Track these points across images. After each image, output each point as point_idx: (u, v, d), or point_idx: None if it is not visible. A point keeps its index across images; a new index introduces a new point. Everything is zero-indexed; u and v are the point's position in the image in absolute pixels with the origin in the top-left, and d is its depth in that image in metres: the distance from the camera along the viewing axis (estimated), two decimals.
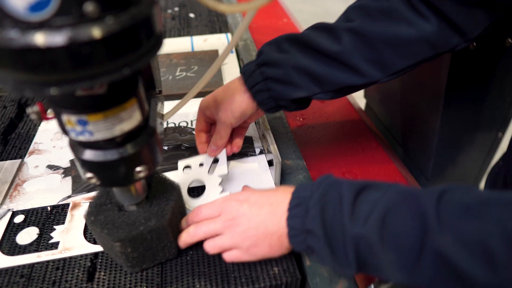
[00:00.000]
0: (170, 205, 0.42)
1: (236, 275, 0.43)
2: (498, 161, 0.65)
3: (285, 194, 0.41)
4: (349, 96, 0.85)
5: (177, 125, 0.66)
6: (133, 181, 0.37)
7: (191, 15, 1.06)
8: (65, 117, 0.31)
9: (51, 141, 0.63)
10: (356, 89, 0.51)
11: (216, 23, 1.04)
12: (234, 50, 0.90)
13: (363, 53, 0.47)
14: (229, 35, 0.95)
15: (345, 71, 0.48)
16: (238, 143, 0.56)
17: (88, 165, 0.35)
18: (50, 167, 0.57)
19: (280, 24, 1.15)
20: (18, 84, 0.25)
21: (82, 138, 0.32)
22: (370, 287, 0.44)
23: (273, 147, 0.54)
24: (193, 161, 0.55)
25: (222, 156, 0.54)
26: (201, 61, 0.83)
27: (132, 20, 0.26)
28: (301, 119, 0.75)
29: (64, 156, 0.59)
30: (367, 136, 0.73)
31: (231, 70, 0.82)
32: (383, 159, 0.67)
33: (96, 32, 0.24)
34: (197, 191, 0.54)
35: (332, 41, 0.48)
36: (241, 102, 0.51)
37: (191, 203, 0.52)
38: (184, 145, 0.61)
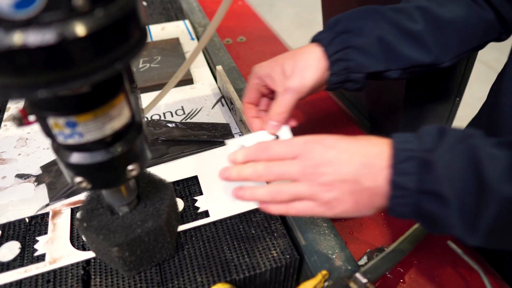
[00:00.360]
0: (165, 205, 0.41)
1: (236, 263, 0.43)
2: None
3: (381, 146, 0.35)
4: None
5: (149, 118, 0.64)
6: (125, 181, 0.36)
7: (144, 3, 1.02)
8: (51, 121, 0.29)
9: (15, 148, 0.58)
10: (419, 71, 0.51)
11: (171, 10, 1.01)
12: (195, 37, 0.88)
13: (434, 34, 0.48)
14: (187, 21, 0.93)
15: (419, 50, 0.48)
16: (294, 116, 0.50)
17: (77, 169, 0.33)
18: (20, 176, 0.54)
19: (236, 7, 1.14)
20: (3, 88, 0.23)
21: (71, 141, 0.30)
22: (363, 257, 0.46)
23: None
24: (247, 140, 0.47)
25: (285, 132, 0.47)
26: (163, 51, 0.80)
27: (121, 12, 0.24)
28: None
29: (33, 163, 0.56)
30: (337, 112, 0.75)
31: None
32: (357, 134, 0.69)
33: (88, 26, 0.22)
34: None
35: (409, 19, 0.48)
36: (316, 70, 0.46)
37: None
38: (160, 138, 0.59)
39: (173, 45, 0.82)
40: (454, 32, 0.49)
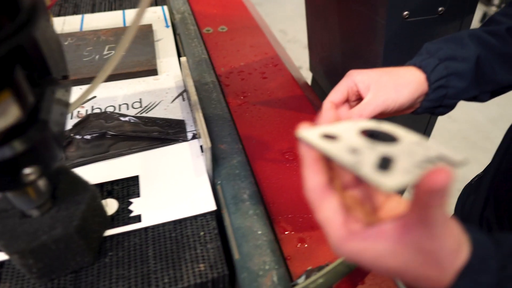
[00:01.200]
0: (80, 210, 0.38)
1: (158, 275, 0.40)
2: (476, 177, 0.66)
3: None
4: (293, 70, 0.82)
5: (103, 110, 0.60)
6: (22, 186, 0.33)
7: None
8: None
9: None
10: (506, 91, 0.52)
11: None
12: (170, 24, 0.84)
13: None
14: (165, 7, 0.89)
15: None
16: None
17: None
18: None
19: None
20: None
21: None
22: (302, 277, 0.42)
23: (203, 131, 0.50)
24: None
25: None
26: (133, 37, 0.76)
27: None
28: (242, 97, 0.71)
29: None
30: (310, 112, 0.71)
31: (166, 46, 0.77)
32: None
33: None
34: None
35: (503, 42, 0.49)
36: (414, 91, 0.46)
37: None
38: (109, 132, 0.56)
39: (145, 32, 0.78)
40: None
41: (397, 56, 0.66)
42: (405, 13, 0.62)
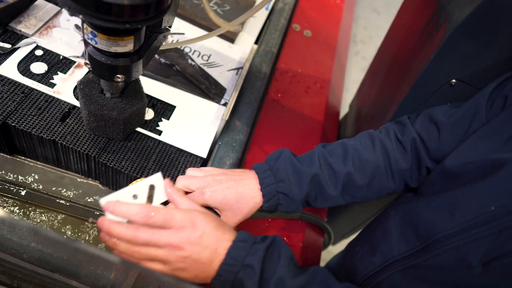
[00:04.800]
0: (132, 109, 0.59)
1: (151, 170, 0.62)
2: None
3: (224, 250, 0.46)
4: (332, 99, 0.98)
5: (182, 48, 0.81)
6: (112, 81, 0.54)
7: None
8: (88, 28, 0.47)
9: None
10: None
11: None
12: (270, 8, 1.00)
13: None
14: None
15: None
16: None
17: (89, 57, 0.51)
18: (77, 27, 0.74)
19: (331, 2, 1.23)
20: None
21: (91, 42, 0.48)
22: None
23: (229, 105, 0.70)
24: (123, 194, 0.49)
25: (158, 180, 0.51)
26: (236, 3, 0.94)
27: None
28: (279, 95, 0.90)
29: None
30: (315, 140, 0.88)
31: (254, 25, 0.94)
32: None
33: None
34: None
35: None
36: (250, 213, 0.58)
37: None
38: (176, 67, 0.77)
39: (247, 3, 0.96)
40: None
41: None
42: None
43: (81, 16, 0.40)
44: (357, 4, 2.65)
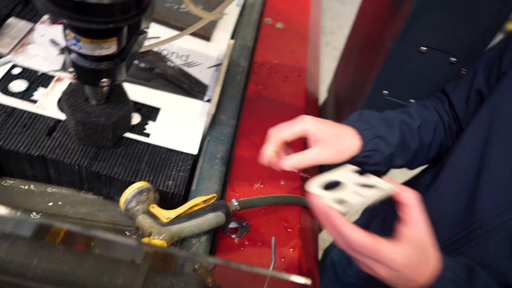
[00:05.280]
0: (118, 114, 0.60)
1: (143, 174, 0.62)
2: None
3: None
4: (310, 86, 1.00)
5: (159, 51, 0.81)
6: (98, 86, 0.54)
7: None
8: (69, 32, 0.47)
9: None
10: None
11: None
12: (241, 4, 1.02)
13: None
14: None
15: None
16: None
17: (74, 65, 0.52)
18: (52, 41, 0.73)
19: None
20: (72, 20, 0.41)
21: (74, 48, 0.48)
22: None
23: (214, 100, 0.71)
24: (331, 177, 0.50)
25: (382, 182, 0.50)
26: (208, 3, 0.95)
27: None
28: (259, 87, 0.91)
29: None
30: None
31: (227, 21, 0.96)
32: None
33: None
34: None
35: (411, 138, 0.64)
36: (349, 157, 0.58)
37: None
38: (157, 70, 0.77)
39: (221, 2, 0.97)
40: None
41: None
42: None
43: (64, 20, 0.41)
44: None
